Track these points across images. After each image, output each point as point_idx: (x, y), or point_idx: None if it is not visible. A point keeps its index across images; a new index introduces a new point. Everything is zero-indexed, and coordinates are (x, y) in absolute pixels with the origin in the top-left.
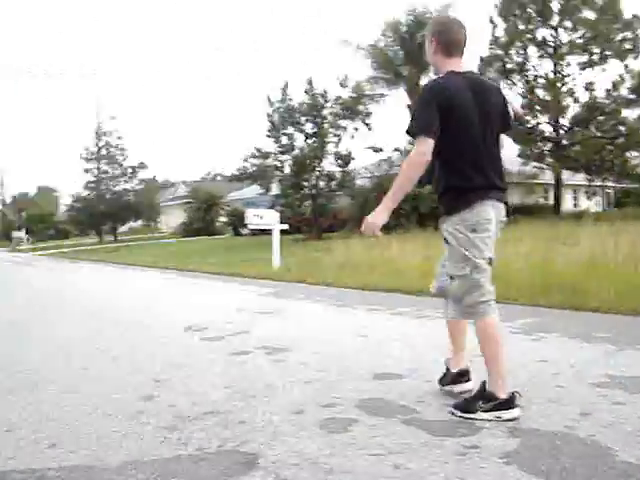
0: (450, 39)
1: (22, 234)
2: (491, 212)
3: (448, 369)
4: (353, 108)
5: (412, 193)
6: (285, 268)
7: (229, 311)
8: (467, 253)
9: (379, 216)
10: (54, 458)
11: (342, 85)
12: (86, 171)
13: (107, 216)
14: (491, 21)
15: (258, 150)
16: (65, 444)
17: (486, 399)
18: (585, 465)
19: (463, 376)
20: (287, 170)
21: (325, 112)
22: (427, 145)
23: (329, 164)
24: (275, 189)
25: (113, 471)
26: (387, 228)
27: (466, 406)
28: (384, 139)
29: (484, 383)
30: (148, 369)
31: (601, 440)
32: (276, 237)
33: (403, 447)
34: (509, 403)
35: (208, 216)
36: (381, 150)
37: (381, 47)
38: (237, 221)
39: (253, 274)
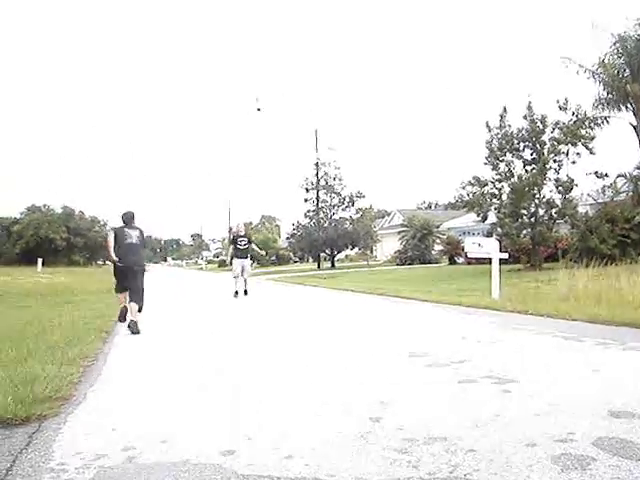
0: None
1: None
2: None
3: None
4: (575, 132)
5: None
6: (505, 298)
7: (452, 339)
8: None
9: None
10: (289, 470)
11: (562, 108)
12: (306, 200)
13: (325, 243)
14: None
15: (475, 178)
16: (298, 458)
17: None
18: None
19: None
20: (505, 198)
21: (544, 137)
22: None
23: (549, 191)
24: (492, 217)
25: None
26: (613, 258)
27: None
28: (608, 164)
29: None
30: (374, 390)
31: None
32: (495, 266)
33: None
34: None
35: (423, 244)
36: (606, 176)
37: (606, 64)
38: (452, 249)
39: (472, 303)
